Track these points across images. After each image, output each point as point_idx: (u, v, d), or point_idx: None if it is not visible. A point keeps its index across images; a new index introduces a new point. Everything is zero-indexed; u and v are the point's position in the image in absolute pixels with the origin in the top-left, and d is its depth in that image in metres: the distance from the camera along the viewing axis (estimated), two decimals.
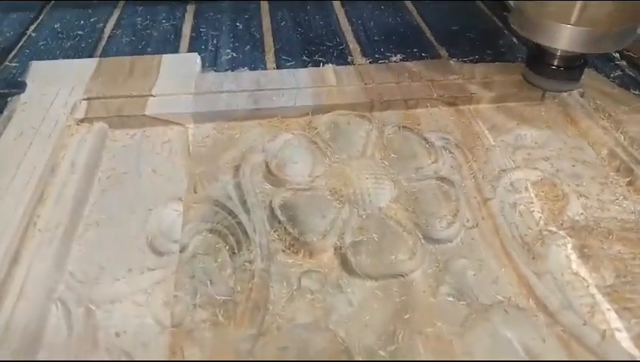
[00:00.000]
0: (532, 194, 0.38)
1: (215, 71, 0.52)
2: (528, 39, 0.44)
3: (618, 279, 0.32)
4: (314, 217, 0.36)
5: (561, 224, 0.36)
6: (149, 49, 0.56)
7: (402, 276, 0.32)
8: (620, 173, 0.40)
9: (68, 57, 0.54)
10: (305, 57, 0.55)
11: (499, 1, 0.67)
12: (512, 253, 0.33)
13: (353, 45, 0.58)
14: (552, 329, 0.29)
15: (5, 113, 0.42)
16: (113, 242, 0.34)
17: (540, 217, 0.36)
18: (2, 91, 0.44)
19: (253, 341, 0.28)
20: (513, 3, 0.45)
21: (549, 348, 0.28)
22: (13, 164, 0.36)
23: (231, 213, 0.35)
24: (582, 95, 0.47)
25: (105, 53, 0.55)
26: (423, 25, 0.63)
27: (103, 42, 0.58)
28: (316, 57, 0.55)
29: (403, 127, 0.44)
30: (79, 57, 0.54)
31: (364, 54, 0.56)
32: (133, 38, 0.59)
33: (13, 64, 0.53)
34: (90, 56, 0.55)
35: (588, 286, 0.32)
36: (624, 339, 0.29)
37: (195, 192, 0.37)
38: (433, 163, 0.41)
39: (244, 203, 0.36)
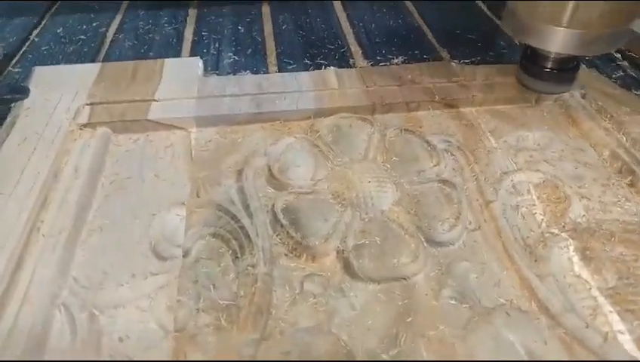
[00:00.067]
0: (534, 197, 0.38)
1: (217, 75, 0.52)
2: (520, 42, 0.44)
3: (620, 281, 0.32)
4: (316, 221, 0.36)
5: (563, 226, 0.36)
6: (151, 53, 0.57)
7: (405, 279, 0.32)
8: (622, 175, 0.40)
9: (70, 62, 0.54)
10: (307, 60, 0.55)
11: (501, 1, 0.66)
12: (514, 255, 0.34)
13: (355, 48, 0.58)
14: (554, 332, 0.29)
15: (9, 119, 0.42)
16: (116, 247, 0.34)
17: (542, 219, 0.36)
18: (5, 97, 0.44)
19: (256, 345, 0.28)
20: (506, 6, 0.45)
21: (551, 351, 0.28)
22: (17, 170, 0.36)
23: (234, 217, 0.35)
24: (583, 96, 0.47)
25: (107, 58, 0.56)
26: (424, 27, 0.63)
27: (106, 46, 0.58)
28: (318, 60, 0.55)
29: (405, 129, 0.44)
30: (82, 62, 0.54)
31: (366, 57, 0.56)
32: (136, 42, 0.59)
33: (16, 69, 0.53)
34: (93, 60, 0.55)
35: (590, 289, 0.32)
36: (626, 342, 0.29)
37: (198, 197, 0.38)
38: (435, 166, 0.41)
39: (246, 207, 0.36)
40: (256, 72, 0.53)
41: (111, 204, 0.37)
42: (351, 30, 0.62)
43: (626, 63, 0.55)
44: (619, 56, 0.56)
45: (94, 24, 0.63)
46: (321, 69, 0.52)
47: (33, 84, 0.46)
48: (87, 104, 0.44)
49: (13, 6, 0.65)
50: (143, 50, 0.57)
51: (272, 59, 0.56)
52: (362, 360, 0.28)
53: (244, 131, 0.44)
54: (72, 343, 0.28)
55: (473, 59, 0.55)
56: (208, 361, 0.28)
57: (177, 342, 0.29)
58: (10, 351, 0.27)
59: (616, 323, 0.30)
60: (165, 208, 0.37)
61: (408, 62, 0.54)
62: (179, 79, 0.48)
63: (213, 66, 0.54)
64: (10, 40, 0.59)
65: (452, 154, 0.42)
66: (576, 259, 0.33)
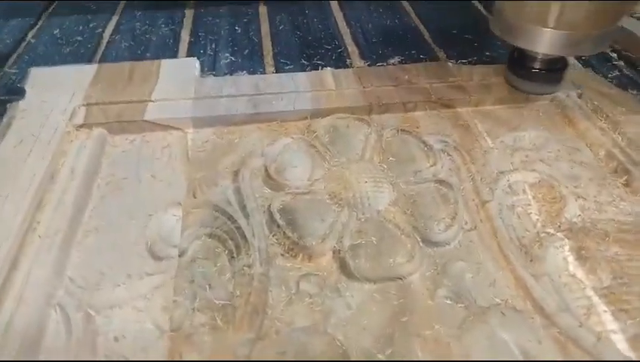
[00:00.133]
0: (530, 197, 0.38)
1: (214, 75, 0.52)
2: (508, 43, 0.44)
3: (614, 281, 0.32)
4: (313, 221, 0.36)
5: (559, 226, 0.36)
6: (147, 54, 0.57)
7: (400, 279, 0.32)
8: (617, 174, 0.40)
9: (67, 63, 0.54)
10: (303, 61, 0.55)
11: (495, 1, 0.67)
12: (509, 255, 0.34)
13: (352, 48, 0.58)
14: (548, 331, 0.29)
15: (5, 120, 0.42)
16: (112, 248, 0.34)
17: (538, 219, 0.36)
18: (1, 98, 0.44)
19: (251, 345, 0.28)
20: (494, 7, 0.45)
21: (546, 350, 0.29)
22: (13, 171, 0.37)
23: (230, 217, 0.36)
24: (579, 96, 0.48)
25: (104, 59, 0.56)
26: (421, 27, 0.63)
27: (102, 47, 0.58)
28: (315, 61, 0.55)
29: (401, 130, 0.44)
30: (78, 63, 0.54)
31: (363, 57, 0.56)
32: (132, 43, 0.59)
33: (13, 70, 0.53)
34: (90, 61, 0.55)
35: (584, 288, 0.32)
36: (619, 341, 0.29)
37: (195, 197, 0.38)
38: (432, 166, 0.41)
39: (243, 208, 0.36)
40: (253, 73, 0.53)
41: (107, 205, 0.37)
42: (348, 30, 0.62)
43: (622, 63, 0.55)
44: (615, 55, 0.56)
45: (91, 25, 0.63)
46: (318, 69, 0.53)
47: (29, 85, 0.46)
48: (83, 105, 0.44)
49: (9, 7, 0.65)
50: (139, 51, 0.57)
51: (268, 59, 0.56)
52: (358, 360, 0.28)
53: (240, 132, 0.44)
54: (67, 343, 0.28)
55: (470, 60, 0.55)
56: (204, 361, 0.28)
57: (173, 342, 0.29)
58: (5, 351, 0.27)
59: (610, 322, 0.30)
60: (162, 208, 0.37)
61: (405, 63, 0.54)
62: (175, 80, 0.48)
63: (210, 67, 0.54)
64: (7, 41, 0.59)
65: (448, 155, 0.42)
66: (571, 258, 0.34)
